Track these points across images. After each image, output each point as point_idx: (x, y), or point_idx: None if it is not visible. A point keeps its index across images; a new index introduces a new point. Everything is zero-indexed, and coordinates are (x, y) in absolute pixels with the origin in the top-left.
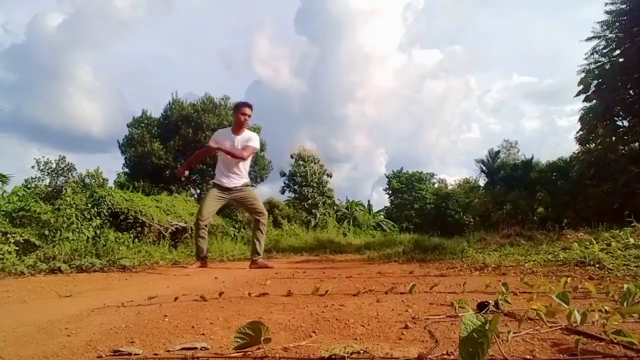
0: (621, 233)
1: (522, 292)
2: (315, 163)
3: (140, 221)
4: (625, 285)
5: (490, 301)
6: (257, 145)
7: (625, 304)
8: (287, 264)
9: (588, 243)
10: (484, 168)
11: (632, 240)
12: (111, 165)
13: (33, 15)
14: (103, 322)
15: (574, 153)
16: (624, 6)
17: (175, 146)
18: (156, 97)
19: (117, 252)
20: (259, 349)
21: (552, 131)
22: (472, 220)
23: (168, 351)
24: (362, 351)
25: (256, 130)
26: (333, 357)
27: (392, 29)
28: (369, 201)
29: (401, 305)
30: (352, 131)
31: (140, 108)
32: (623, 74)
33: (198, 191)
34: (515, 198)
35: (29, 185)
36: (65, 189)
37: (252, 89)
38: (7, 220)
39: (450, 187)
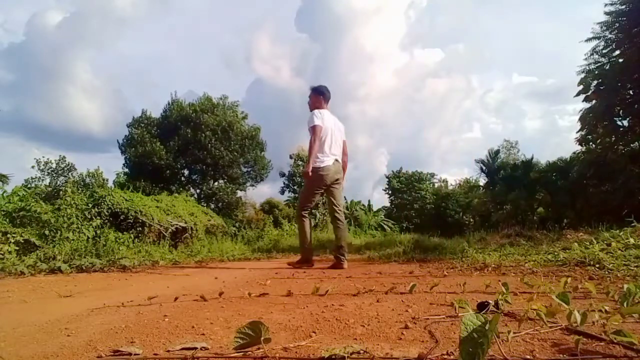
0: (621, 233)
1: (522, 292)
2: None
3: (141, 221)
4: (625, 285)
5: (490, 301)
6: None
7: (625, 304)
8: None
9: (588, 243)
10: (484, 168)
11: (632, 240)
12: (111, 165)
13: (32, 14)
14: (103, 322)
15: (574, 153)
16: (623, 7)
17: (175, 146)
18: (156, 95)
19: (117, 252)
20: (259, 349)
21: (553, 131)
22: (472, 220)
23: (168, 351)
24: (362, 351)
25: (256, 130)
26: (333, 357)
27: (394, 27)
28: (369, 201)
29: (401, 305)
30: (353, 131)
31: (140, 107)
32: (623, 74)
33: (198, 191)
34: (515, 198)
35: (29, 185)
36: (65, 188)
37: (252, 88)
38: (7, 220)
39: (450, 187)
